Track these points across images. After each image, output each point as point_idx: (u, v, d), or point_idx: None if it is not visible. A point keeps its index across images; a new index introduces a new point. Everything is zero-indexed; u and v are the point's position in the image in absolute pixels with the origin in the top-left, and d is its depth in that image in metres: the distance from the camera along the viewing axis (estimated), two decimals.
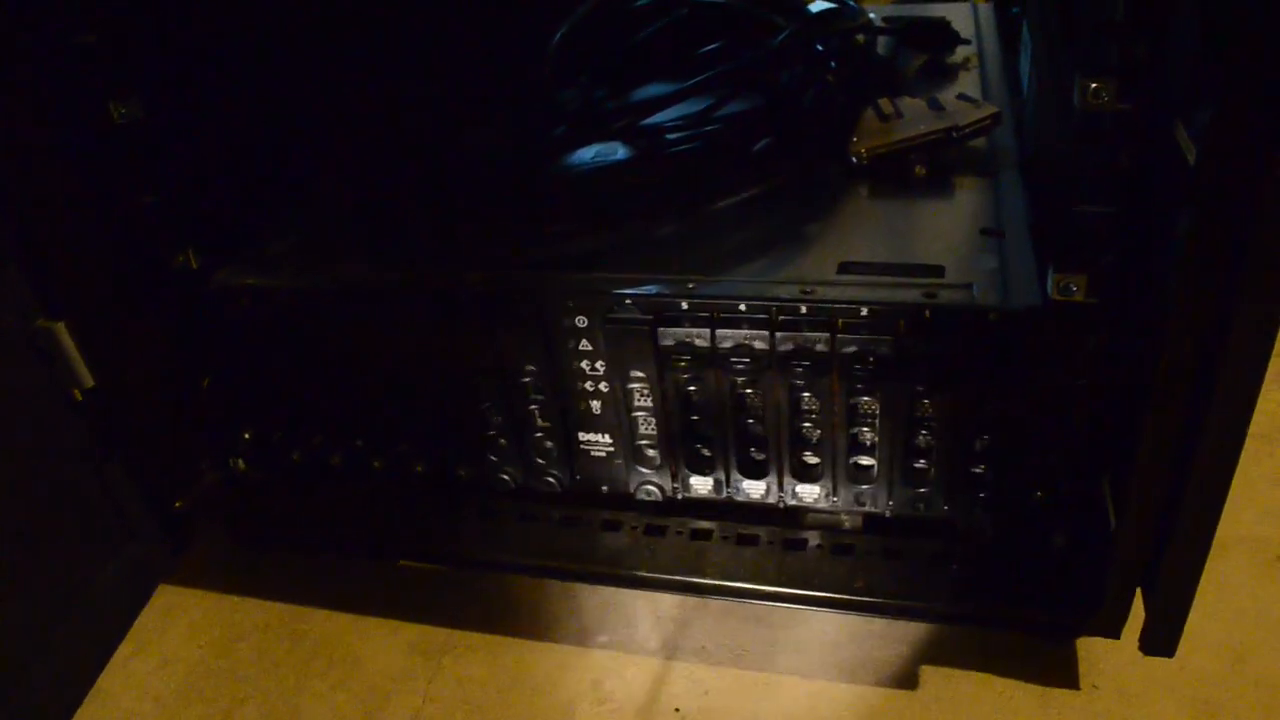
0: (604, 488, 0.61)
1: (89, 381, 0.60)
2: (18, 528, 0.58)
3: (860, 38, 0.69)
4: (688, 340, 0.53)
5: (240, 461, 0.67)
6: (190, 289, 0.62)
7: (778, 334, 0.51)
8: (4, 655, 0.57)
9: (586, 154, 0.64)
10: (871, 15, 0.75)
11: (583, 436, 0.58)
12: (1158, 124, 0.43)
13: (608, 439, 0.58)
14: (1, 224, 0.55)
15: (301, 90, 0.69)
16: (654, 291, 0.53)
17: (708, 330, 0.52)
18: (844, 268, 0.53)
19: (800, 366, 0.52)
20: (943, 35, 0.73)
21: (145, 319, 0.62)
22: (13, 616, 0.58)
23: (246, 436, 0.66)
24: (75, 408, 0.61)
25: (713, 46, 0.69)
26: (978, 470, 0.54)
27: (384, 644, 0.65)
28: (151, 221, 0.60)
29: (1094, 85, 0.42)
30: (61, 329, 0.58)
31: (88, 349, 0.59)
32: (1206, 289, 0.40)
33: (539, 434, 0.59)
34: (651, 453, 0.58)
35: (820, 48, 0.65)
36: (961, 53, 0.74)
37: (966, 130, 0.60)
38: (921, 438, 0.53)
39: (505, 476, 0.62)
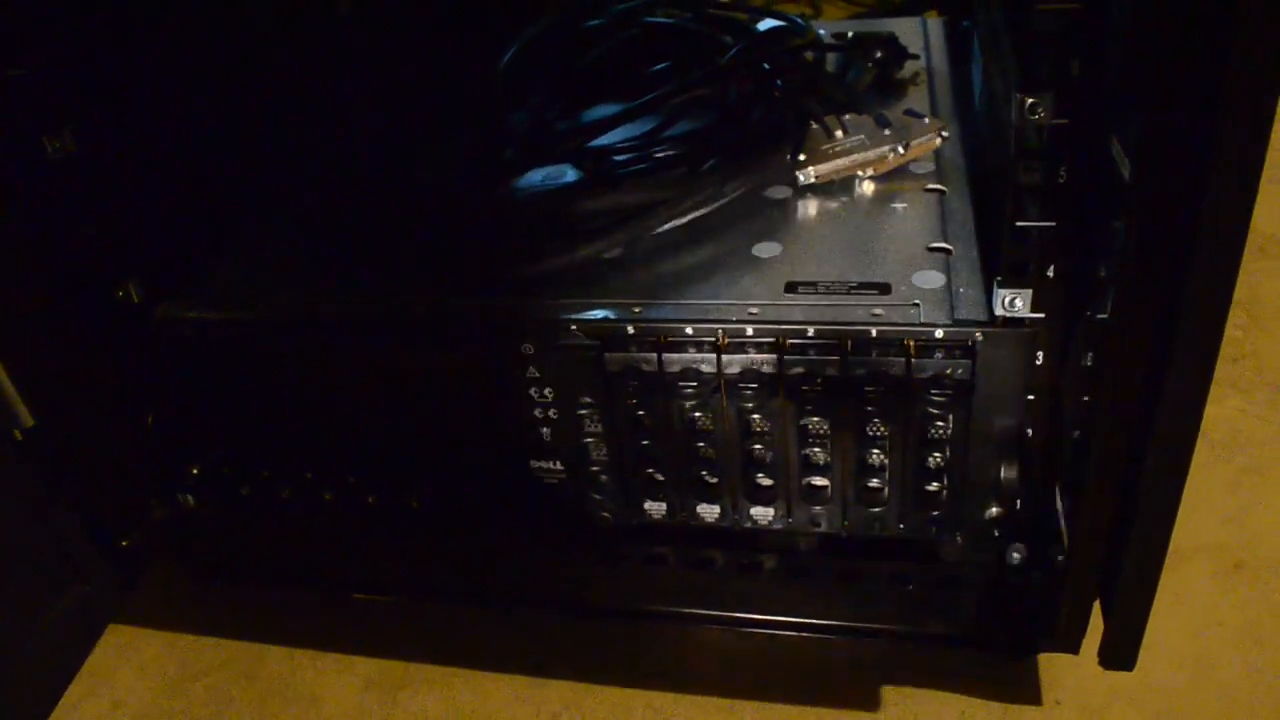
0: (556, 515, 0.60)
1: (29, 421, 0.58)
2: None
3: (809, 55, 0.69)
4: (634, 365, 0.52)
5: (189, 497, 0.66)
6: (132, 323, 0.60)
7: (724, 357, 0.51)
8: None
9: (535, 177, 0.63)
10: (820, 31, 0.75)
11: (534, 464, 0.58)
12: (1094, 138, 0.43)
13: (559, 466, 0.57)
14: None
15: (243, 118, 0.68)
16: (600, 317, 0.52)
17: (654, 355, 0.51)
18: (790, 287, 0.52)
19: (749, 389, 0.51)
20: (890, 50, 0.73)
21: (86, 354, 0.61)
22: None
23: (195, 471, 0.65)
24: (15, 447, 0.60)
25: (661, 66, 0.69)
26: (931, 488, 0.53)
27: (340, 681, 0.64)
28: (91, 255, 0.59)
29: (1030, 101, 0.42)
30: None
31: (26, 387, 0.58)
32: (1147, 302, 0.39)
33: (488, 462, 0.58)
34: (604, 479, 0.57)
35: (767, 65, 0.65)
36: (910, 68, 0.74)
37: (913, 146, 0.60)
38: (873, 456, 0.53)
39: (460, 504, 0.61)
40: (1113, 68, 0.41)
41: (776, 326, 0.50)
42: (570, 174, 0.63)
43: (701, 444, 0.54)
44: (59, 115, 0.57)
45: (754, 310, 0.50)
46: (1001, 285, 0.47)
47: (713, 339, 0.50)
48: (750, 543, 0.59)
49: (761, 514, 0.56)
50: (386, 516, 0.63)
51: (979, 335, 0.48)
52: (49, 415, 0.59)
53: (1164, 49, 0.35)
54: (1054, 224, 0.45)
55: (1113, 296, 0.40)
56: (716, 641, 0.62)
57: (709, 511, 0.57)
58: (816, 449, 0.53)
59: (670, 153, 0.61)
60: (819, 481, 0.55)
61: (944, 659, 0.59)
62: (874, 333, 0.49)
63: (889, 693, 0.58)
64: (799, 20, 0.70)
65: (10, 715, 0.60)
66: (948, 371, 0.49)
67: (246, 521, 0.66)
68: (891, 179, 0.60)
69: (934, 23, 0.83)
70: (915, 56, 0.74)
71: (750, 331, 0.50)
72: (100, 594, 0.66)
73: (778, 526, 0.57)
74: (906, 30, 0.80)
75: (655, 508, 0.58)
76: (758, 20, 0.74)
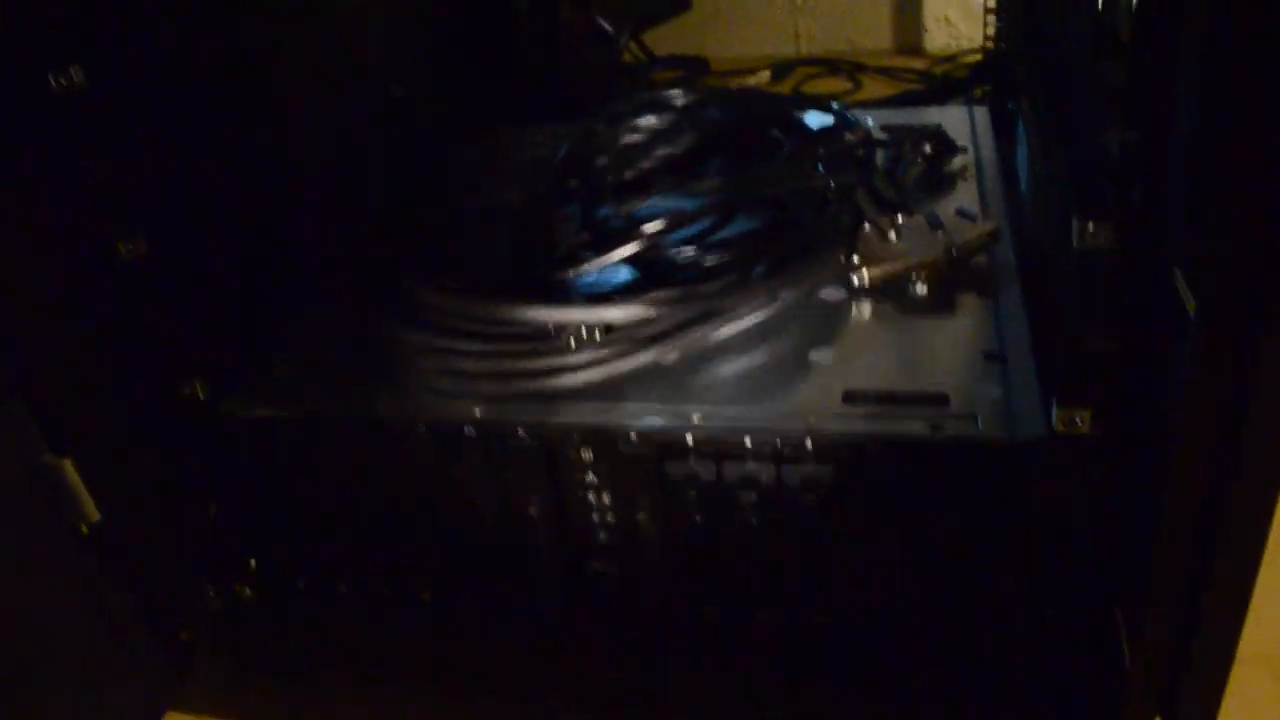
0: (613, 617, 0.60)
1: (95, 516, 0.60)
2: (21, 661, 0.58)
3: (859, 151, 0.70)
4: (693, 474, 0.52)
5: (246, 589, 0.67)
6: (197, 419, 0.62)
7: (784, 467, 0.51)
8: None
9: (589, 277, 0.64)
10: (868, 120, 0.76)
11: (593, 565, 0.58)
12: (1156, 267, 0.43)
13: (615, 567, 0.58)
14: (6, 359, 0.55)
15: (305, 216, 0.70)
16: (659, 426, 0.53)
17: (713, 464, 0.52)
18: (848, 397, 0.53)
19: (808, 499, 0.52)
20: (939, 144, 0.74)
21: (152, 450, 0.62)
22: None
23: (252, 563, 0.66)
24: (81, 540, 0.61)
25: (713, 164, 0.71)
26: (987, 600, 0.53)
27: None
28: (159, 354, 0.61)
29: (1091, 227, 0.43)
30: (68, 465, 0.58)
31: (94, 484, 0.59)
32: (1210, 424, 0.40)
33: (547, 563, 0.59)
34: (663, 582, 0.58)
35: (821, 166, 0.66)
36: (959, 160, 0.75)
37: (966, 249, 0.61)
38: (931, 566, 0.53)
39: (514, 605, 0.61)
40: (1175, 198, 0.41)
41: (836, 438, 0.50)
42: (624, 273, 0.64)
43: (759, 551, 0.54)
44: (133, 220, 0.59)
45: (812, 422, 0.51)
46: (1061, 404, 0.47)
47: (772, 450, 0.51)
48: (804, 651, 0.58)
49: (816, 618, 0.56)
50: (439, 614, 0.63)
51: (1038, 451, 0.48)
52: (115, 510, 0.60)
53: (1228, 182, 0.35)
54: (1116, 346, 0.45)
55: (1175, 417, 0.40)
56: None
57: (767, 616, 0.57)
58: (877, 558, 0.53)
59: (725, 255, 0.61)
60: (875, 592, 0.55)
61: None
62: (934, 446, 0.49)
63: None
64: (850, 115, 0.72)
65: None
66: (1006, 485, 0.49)
67: (301, 614, 0.67)
68: (944, 281, 0.61)
69: (980, 111, 0.84)
70: (964, 150, 0.75)
71: (809, 444, 0.50)
72: (157, 683, 0.66)
73: (831, 633, 0.57)
74: (952, 119, 0.81)
75: (711, 611, 0.58)
76: (806, 109, 0.75)
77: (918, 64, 1.43)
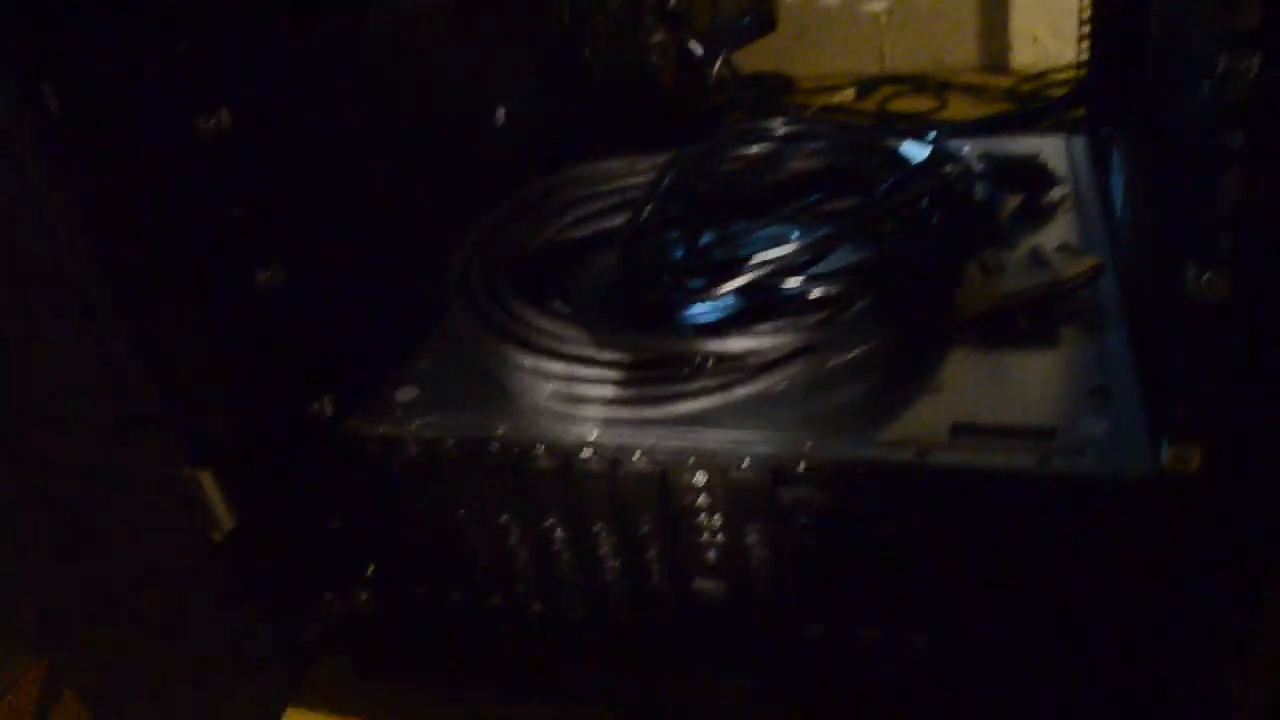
0: (717, 636, 0.62)
1: (229, 525, 0.63)
2: (156, 661, 0.62)
3: (960, 185, 0.71)
4: (805, 499, 0.54)
5: (363, 594, 0.70)
6: (323, 435, 0.65)
7: (892, 497, 0.53)
8: None
9: (695, 306, 0.66)
10: (965, 149, 0.77)
11: (698, 584, 0.60)
12: (1271, 311, 0.44)
13: (723, 588, 0.60)
14: (150, 377, 0.59)
15: (423, 240, 0.74)
16: (772, 451, 0.55)
17: (825, 491, 0.54)
18: (956, 430, 0.54)
19: (917, 529, 0.53)
20: (1039, 176, 0.75)
21: (281, 464, 0.66)
22: None
23: (370, 570, 0.69)
24: (213, 549, 0.64)
25: (813, 195, 0.72)
26: (1088, 638, 0.54)
27: None
28: (292, 374, 0.64)
29: (1206, 276, 0.44)
30: (206, 476, 0.62)
31: (229, 494, 0.63)
32: None
33: (654, 581, 0.61)
34: (767, 601, 0.60)
35: (924, 201, 0.67)
36: (1057, 191, 0.76)
37: (1070, 284, 0.62)
38: (1032, 599, 0.54)
39: (621, 622, 0.63)
40: None
41: (944, 469, 0.52)
42: (727, 302, 0.66)
43: (863, 575, 0.56)
44: (270, 249, 0.62)
45: (923, 453, 0.53)
46: (1171, 441, 0.48)
47: (881, 480, 0.53)
48: (902, 675, 0.60)
49: (920, 643, 0.58)
50: (550, 625, 0.66)
51: (1146, 489, 0.49)
52: (246, 519, 0.64)
53: None
54: (1230, 390, 0.46)
55: None
56: None
57: (868, 637, 0.59)
58: (976, 589, 0.55)
59: (830, 286, 0.63)
60: (975, 621, 0.56)
61: None
62: (1042, 480, 0.50)
63: None
64: (949, 147, 0.73)
65: None
66: (1114, 522, 0.50)
67: (418, 620, 0.70)
68: (1047, 316, 0.62)
69: (1078, 142, 0.84)
70: (1063, 181, 0.76)
71: (919, 476, 0.52)
72: (278, 684, 0.70)
73: (929, 659, 0.58)
74: (1050, 150, 0.81)
75: (817, 629, 0.60)
76: (905, 141, 0.76)
77: (1004, 81, 1.43)
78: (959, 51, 1.51)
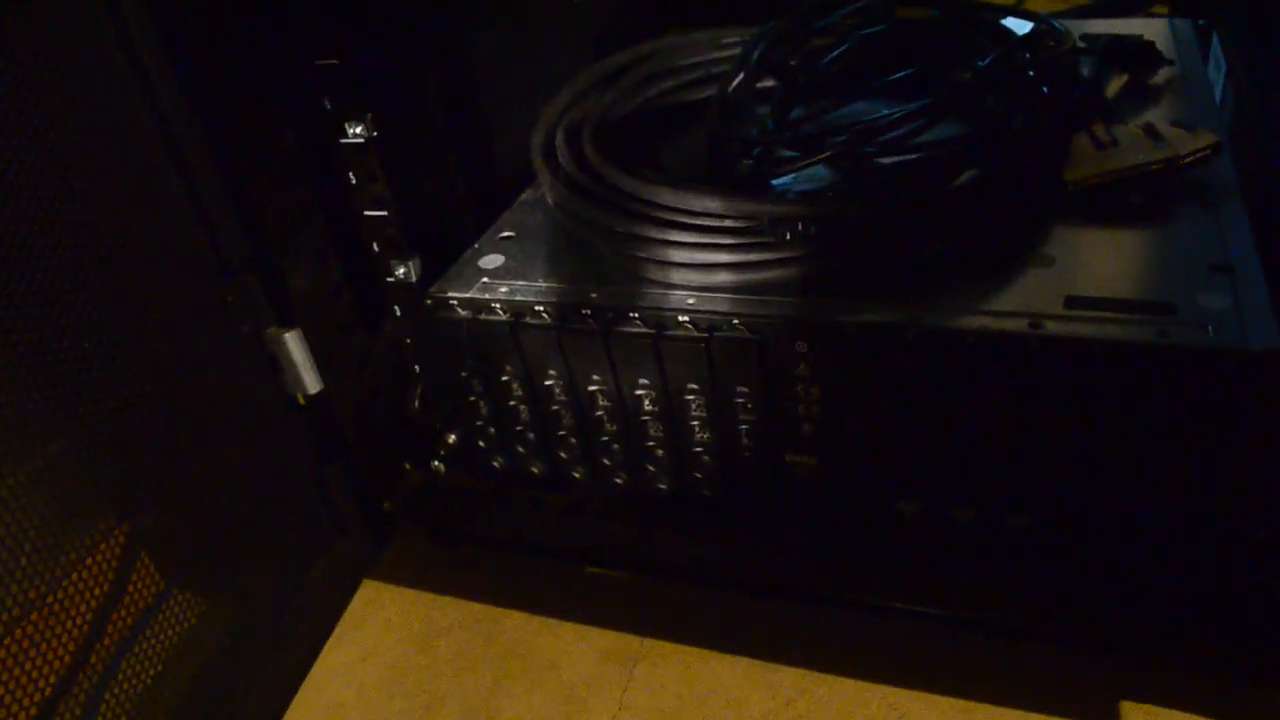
0: (804, 507, 0.62)
1: (314, 387, 0.63)
2: (242, 522, 0.62)
3: (1067, 59, 0.68)
4: (911, 369, 0.53)
5: (441, 465, 0.70)
6: (409, 301, 0.64)
7: (1006, 370, 0.51)
8: (230, 643, 0.61)
9: (786, 178, 0.64)
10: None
11: (790, 458, 0.59)
12: None
13: (816, 461, 0.59)
14: (244, 236, 0.58)
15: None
16: (877, 320, 0.53)
17: (931, 361, 0.52)
18: (1071, 302, 0.52)
19: (1027, 404, 0.52)
20: (1146, 56, 0.72)
21: (366, 329, 0.65)
22: (238, 606, 0.62)
23: (450, 440, 0.69)
24: (298, 411, 0.64)
25: (909, 71, 0.69)
26: (1202, 510, 0.53)
27: (577, 649, 0.67)
28: (380, 234, 0.63)
29: None
30: (294, 336, 0.61)
31: (317, 356, 0.62)
32: None
33: (745, 453, 0.60)
34: (862, 477, 0.59)
35: (1031, 72, 0.64)
36: (1163, 73, 0.73)
37: (1187, 160, 0.59)
38: (1145, 478, 0.53)
39: (707, 493, 0.63)
40: None
41: (1060, 340, 0.50)
42: (820, 174, 0.64)
43: (967, 451, 0.55)
44: (361, 103, 0.61)
45: (1036, 324, 0.51)
46: None
47: (994, 349, 0.51)
48: (1005, 550, 0.59)
49: (1017, 521, 0.57)
50: (633, 497, 0.65)
51: (1274, 362, 0.47)
52: (332, 383, 0.63)
53: None
54: None
55: None
56: (955, 644, 0.63)
57: (964, 515, 0.58)
58: (1085, 467, 0.53)
59: (930, 159, 0.61)
60: (1081, 500, 0.55)
61: (1188, 684, 0.59)
62: (1164, 353, 0.49)
63: (1131, 711, 0.58)
64: (1056, 24, 0.70)
65: (282, 657, 0.65)
66: (1236, 398, 0.48)
67: (491, 490, 0.70)
68: (1162, 192, 0.59)
69: (1182, 25, 0.81)
70: (1171, 62, 0.73)
71: (1034, 346, 0.50)
72: (359, 550, 0.70)
73: (1029, 538, 0.57)
74: (1154, 31, 0.78)
75: (909, 506, 0.59)
76: (1004, 18, 0.73)
77: None
78: None
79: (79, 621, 0.54)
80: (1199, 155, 0.60)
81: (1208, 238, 0.56)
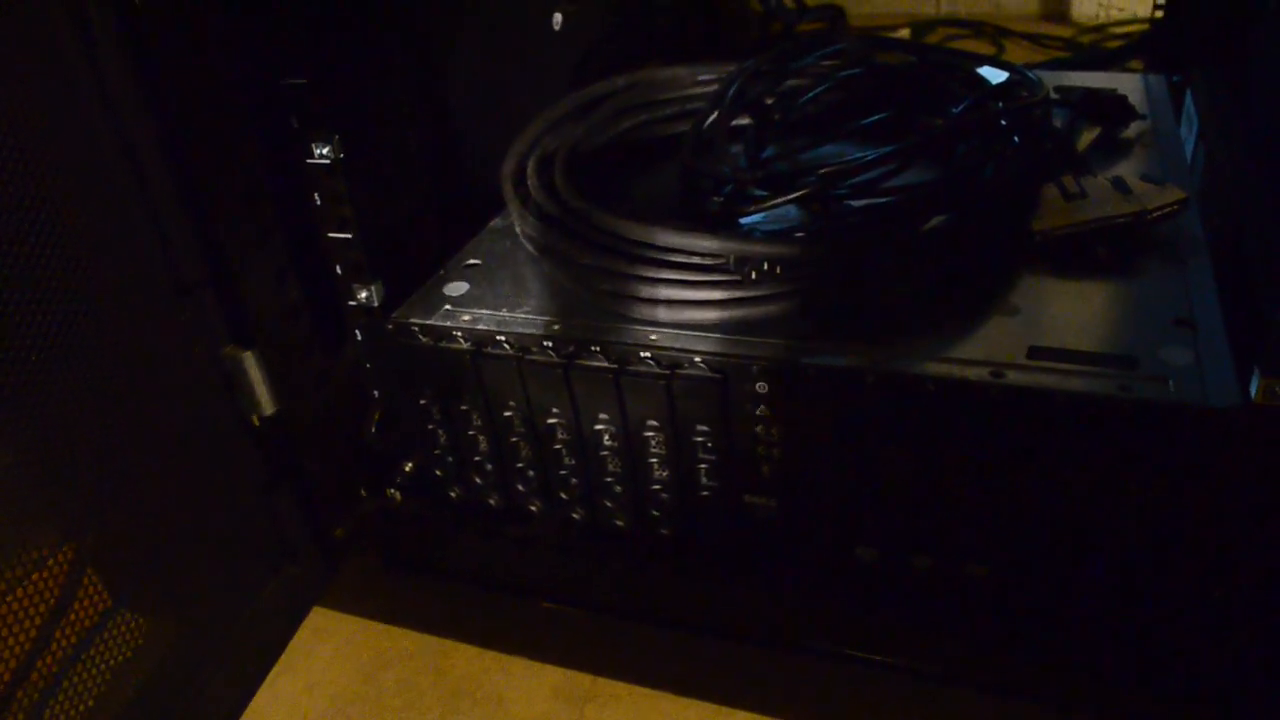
0: (761, 549, 0.61)
1: (270, 409, 0.62)
2: (190, 543, 0.61)
3: (1038, 110, 0.68)
4: (871, 413, 0.52)
5: (396, 493, 0.69)
6: (369, 325, 0.63)
7: (966, 417, 0.51)
8: (174, 665, 0.59)
9: (756, 216, 0.64)
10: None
11: (749, 499, 0.59)
12: None
13: (775, 503, 0.58)
14: (201, 253, 0.57)
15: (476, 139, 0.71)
16: (840, 364, 0.53)
17: (891, 406, 0.52)
18: (1034, 352, 0.52)
19: (988, 451, 0.51)
20: (1119, 110, 0.72)
21: (325, 352, 0.64)
22: (182, 628, 0.60)
23: (407, 468, 0.68)
24: (252, 433, 0.63)
25: (882, 115, 0.70)
26: (1158, 568, 0.52)
27: (527, 685, 0.66)
28: (344, 257, 0.62)
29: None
30: (250, 357, 0.60)
31: (272, 378, 0.61)
32: None
33: (704, 492, 0.59)
34: (820, 521, 0.58)
35: (1004, 121, 0.64)
36: (1135, 126, 0.73)
37: (1155, 215, 0.59)
38: (1102, 530, 0.52)
39: (664, 531, 0.62)
40: None
41: (1021, 390, 0.50)
42: (790, 215, 0.63)
43: (925, 497, 0.55)
44: (326, 125, 0.60)
45: (997, 373, 0.50)
46: (1263, 373, 0.46)
47: (955, 398, 0.51)
48: (956, 601, 0.59)
49: (975, 570, 0.56)
50: (589, 533, 0.64)
51: (1233, 419, 0.47)
52: (288, 405, 0.62)
53: None
54: None
55: None
56: (910, 693, 0.62)
57: (922, 563, 0.57)
58: (1045, 517, 0.53)
59: (898, 204, 0.60)
60: (1041, 549, 0.54)
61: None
62: (1124, 407, 0.48)
63: None
64: (1031, 75, 0.70)
65: (226, 683, 0.63)
66: (1194, 453, 0.48)
67: (447, 520, 0.69)
68: (1128, 245, 0.60)
69: (1155, 80, 0.81)
70: (1143, 117, 0.73)
71: (995, 395, 0.50)
72: (309, 576, 0.69)
73: (987, 586, 0.57)
74: (1127, 86, 0.79)
75: (867, 552, 0.58)
76: (980, 67, 0.73)
77: (1064, 31, 1.39)
78: None
79: (21, 638, 0.52)
80: (1167, 210, 0.60)
81: (1172, 292, 0.56)
